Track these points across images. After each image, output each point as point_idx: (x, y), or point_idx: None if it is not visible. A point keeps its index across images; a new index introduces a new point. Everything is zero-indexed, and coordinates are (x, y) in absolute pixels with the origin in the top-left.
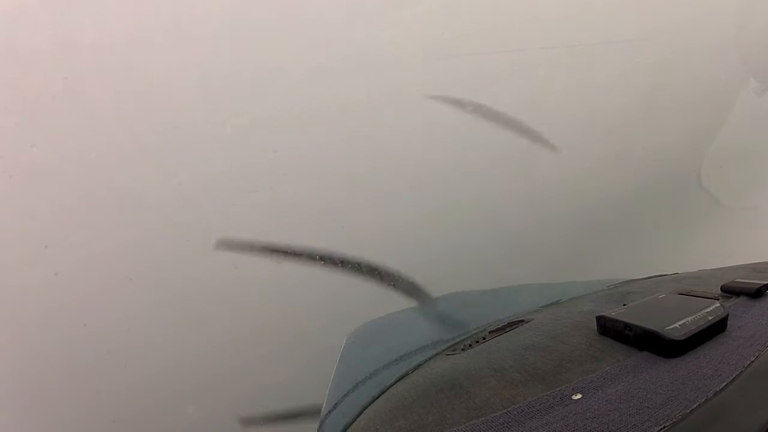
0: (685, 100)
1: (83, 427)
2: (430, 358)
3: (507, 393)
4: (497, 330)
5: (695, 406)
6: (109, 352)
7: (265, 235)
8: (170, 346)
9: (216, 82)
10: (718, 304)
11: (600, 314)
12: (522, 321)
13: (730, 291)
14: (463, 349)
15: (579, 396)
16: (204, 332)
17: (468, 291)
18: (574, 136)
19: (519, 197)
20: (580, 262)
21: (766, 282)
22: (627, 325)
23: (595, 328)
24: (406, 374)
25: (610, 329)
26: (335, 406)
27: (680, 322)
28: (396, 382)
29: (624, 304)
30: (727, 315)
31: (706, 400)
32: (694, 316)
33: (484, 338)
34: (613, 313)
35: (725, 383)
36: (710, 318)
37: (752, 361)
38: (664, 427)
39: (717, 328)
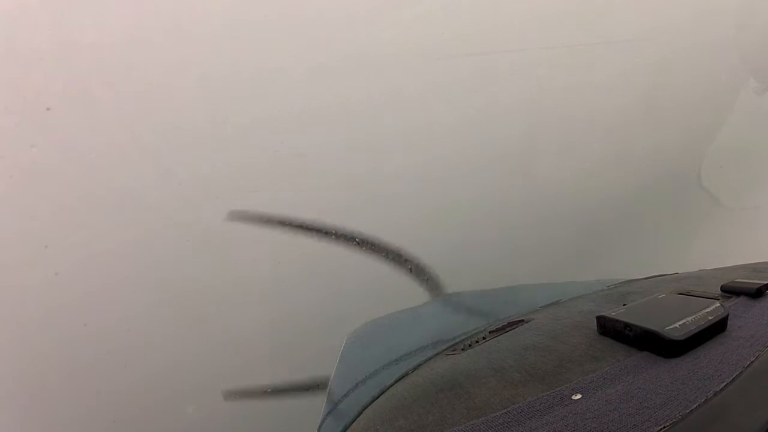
0: (685, 100)
1: (83, 427)
2: (430, 358)
3: (507, 393)
4: (497, 330)
5: (695, 406)
6: (109, 352)
7: (265, 235)
8: (170, 346)
9: (216, 82)
10: (718, 304)
11: (600, 314)
12: (522, 321)
13: (730, 291)
14: (463, 349)
15: (579, 396)
16: (204, 332)
17: (468, 291)
18: (574, 136)
19: (519, 197)
20: (580, 262)
21: (766, 282)
22: (627, 325)
23: (595, 328)
24: (406, 374)
25: (610, 329)
26: (335, 406)
27: (680, 322)
28: (396, 382)
29: (624, 304)
30: (727, 315)
31: (706, 400)
32: (694, 316)
33: (484, 338)
34: (613, 313)
35: (725, 383)
36: (710, 318)
37: (752, 361)
38: (664, 427)
39: (717, 328)
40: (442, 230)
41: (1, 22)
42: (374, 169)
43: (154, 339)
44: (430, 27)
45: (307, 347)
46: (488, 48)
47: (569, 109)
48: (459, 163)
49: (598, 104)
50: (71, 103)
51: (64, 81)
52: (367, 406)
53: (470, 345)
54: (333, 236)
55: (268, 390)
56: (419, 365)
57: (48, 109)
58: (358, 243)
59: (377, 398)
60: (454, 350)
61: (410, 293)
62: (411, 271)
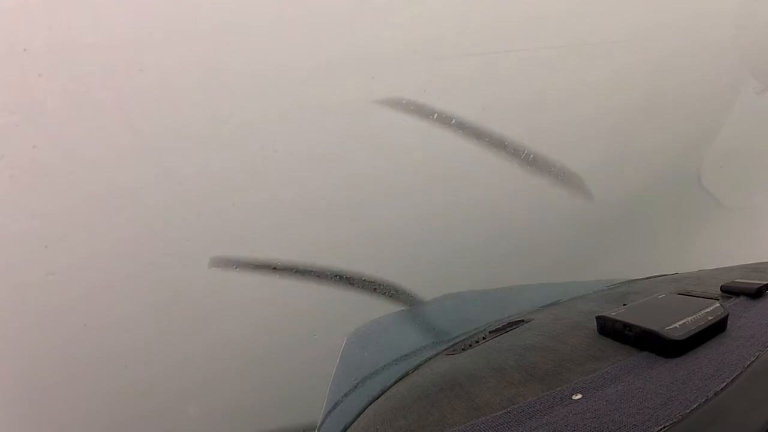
0: (685, 100)
1: (83, 427)
2: (430, 358)
3: (507, 393)
4: (497, 330)
5: (695, 406)
6: (109, 352)
7: (265, 235)
8: (170, 346)
9: (216, 81)
10: (718, 304)
11: (600, 314)
12: (522, 321)
13: (730, 291)
14: (463, 349)
15: (579, 396)
16: (204, 332)
17: (468, 291)
18: (574, 136)
19: (519, 197)
20: (580, 262)
21: (766, 282)
22: (627, 325)
23: (595, 328)
24: (406, 374)
25: (610, 329)
26: (335, 406)
27: (680, 322)
28: (396, 382)
29: (624, 304)
30: (727, 315)
31: (706, 400)
32: (694, 316)
33: (484, 338)
34: (613, 313)
35: (725, 383)
36: (710, 318)
37: (752, 361)
38: (664, 427)
39: (717, 328)
40: (442, 230)
41: (1, 22)
42: (374, 169)
43: (154, 339)
44: (430, 27)
45: (307, 347)
46: (488, 48)
47: (569, 109)
48: (459, 163)
49: (599, 104)
50: (71, 103)
51: (64, 81)
52: (367, 406)
53: (470, 345)
54: (319, 277)
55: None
56: (419, 365)
57: (48, 109)
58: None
59: (377, 398)
60: (454, 350)
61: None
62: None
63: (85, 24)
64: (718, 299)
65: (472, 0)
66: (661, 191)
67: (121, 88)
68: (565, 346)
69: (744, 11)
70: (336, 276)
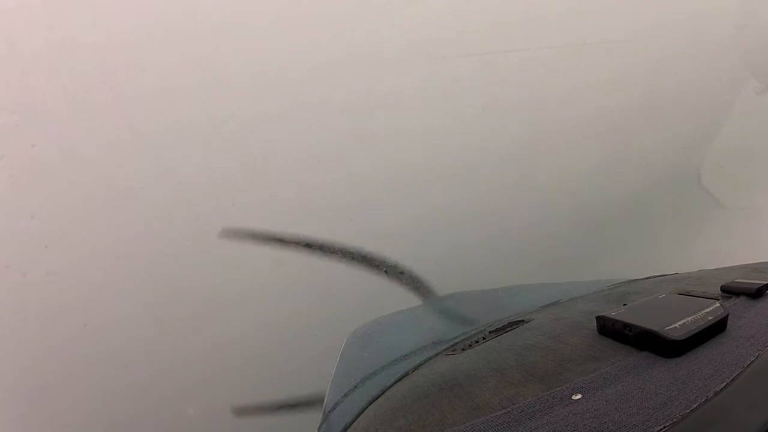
0: (685, 100)
1: (83, 427)
2: (430, 358)
3: (507, 393)
4: (497, 330)
5: (695, 406)
6: (109, 352)
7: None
8: (170, 346)
9: (216, 81)
10: (718, 304)
11: (600, 314)
12: (522, 321)
13: (730, 291)
14: (463, 349)
15: (579, 396)
16: (204, 332)
17: (468, 291)
18: (574, 136)
19: (519, 197)
20: (580, 262)
21: (766, 282)
22: (627, 325)
23: (595, 328)
24: (406, 374)
25: (610, 329)
26: (335, 406)
27: (680, 322)
28: (396, 382)
29: (624, 304)
30: (727, 315)
31: (706, 400)
32: (694, 316)
33: (484, 338)
34: (613, 313)
35: (725, 383)
36: (710, 318)
37: (752, 361)
38: (664, 427)
39: (717, 328)
40: (441, 229)
41: (2, 22)
42: (374, 168)
43: (154, 339)
44: (430, 27)
45: (307, 347)
46: (488, 48)
47: (569, 109)
48: (459, 163)
49: (599, 104)
50: (71, 103)
51: (64, 81)
52: (367, 406)
53: (470, 345)
54: (338, 253)
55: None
56: (419, 365)
57: (48, 109)
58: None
59: (377, 398)
60: (454, 350)
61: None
62: (402, 276)
63: (85, 24)
64: (718, 299)
65: (472, 0)
66: (661, 191)
67: (121, 88)
68: (565, 346)
69: (744, 11)
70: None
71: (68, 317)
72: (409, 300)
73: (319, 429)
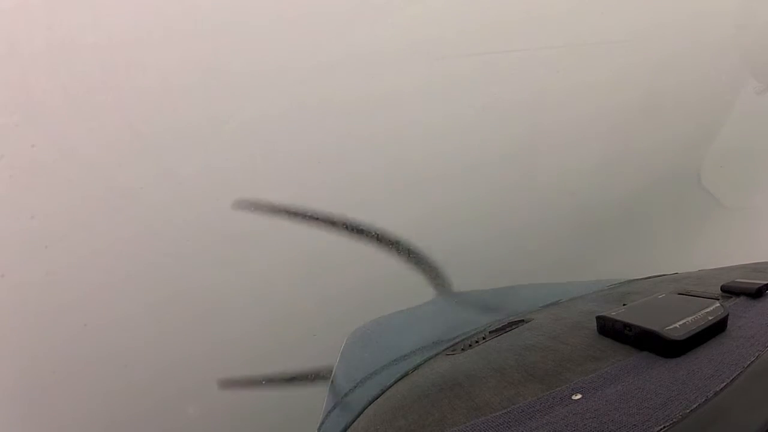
0: (685, 100)
1: (83, 427)
2: (430, 358)
3: (507, 393)
4: (497, 330)
5: (695, 406)
6: (109, 352)
7: (265, 234)
8: (170, 346)
9: (216, 81)
10: (718, 304)
11: (600, 314)
12: (522, 321)
13: (730, 291)
14: (463, 349)
15: (579, 396)
16: (204, 332)
17: (468, 291)
18: (574, 136)
19: (519, 197)
20: (580, 262)
21: (766, 282)
22: (627, 325)
23: (595, 328)
24: (406, 374)
25: (610, 329)
26: (335, 406)
27: (680, 322)
28: (396, 382)
29: (624, 304)
30: (727, 315)
31: (706, 400)
32: (694, 316)
33: (484, 338)
34: (613, 313)
35: (725, 383)
36: (710, 318)
37: (752, 361)
38: (664, 427)
39: (717, 328)
40: (441, 229)
41: (2, 22)
42: (374, 168)
43: (154, 339)
44: (430, 27)
45: (308, 346)
46: (488, 48)
47: (569, 109)
48: (459, 163)
49: (598, 104)
50: (71, 103)
51: (64, 81)
52: (367, 406)
53: (470, 345)
54: (342, 227)
55: (264, 381)
56: (419, 365)
57: (48, 109)
58: (366, 234)
59: (377, 398)
60: (454, 350)
61: (413, 285)
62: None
63: (85, 24)
64: (718, 299)
65: (472, 0)
66: (661, 191)
67: (121, 88)
68: (565, 346)
69: (744, 11)
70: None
71: (68, 317)
72: (411, 294)
73: (319, 429)
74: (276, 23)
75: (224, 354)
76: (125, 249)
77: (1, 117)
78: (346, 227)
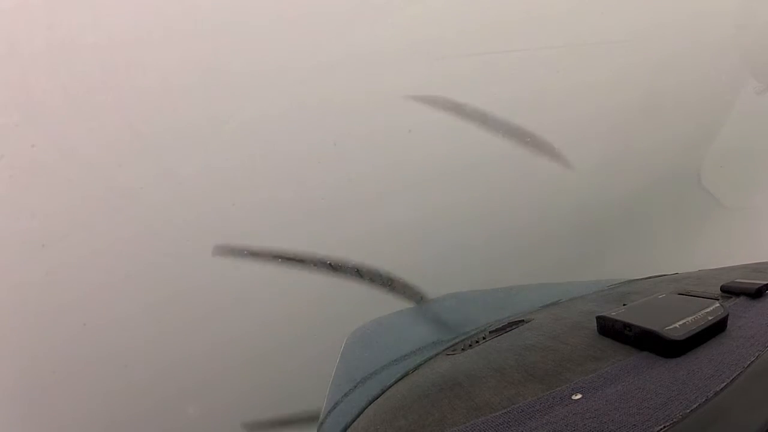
0: (685, 100)
1: (83, 427)
2: (430, 358)
3: (507, 393)
4: (497, 330)
5: (695, 406)
6: (109, 352)
7: (265, 234)
8: (170, 346)
9: (216, 81)
10: (718, 304)
11: (600, 314)
12: (522, 321)
13: (730, 291)
14: (463, 349)
15: (579, 396)
16: (204, 332)
17: (468, 291)
18: (574, 136)
19: (519, 197)
20: (580, 262)
21: (766, 282)
22: (627, 325)
23: (595, 328)
24: (406, 374)
25: (610, 329)
26: (335, 406)
27: (680, 322)
28: (396, 382)
29: (624, 304)
30: (727, 315)
31: (706, 400)
32: (694, 316)
33: (484, 338)
34: (613, 313)
35: (725, 383)
36: (710, 318)
37: (752, 361)
38: (664, 427)
39: (717, 328)
40: (441, 230)
41: (2, 22)
42: (374, 169)
43: (154, 339)
44: (430, 27)
45: (307, 347)
46: (488, 48)
47: (569, 109)
48: (459, 163)
49: (599, 104)
50: (71, 103)
51: (64, 81)
52: (367, 406)
53: (470, 345)
54: (329, 269)
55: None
56: (419, 365)
57: (48, 109)
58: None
59: (377, 398)
60: (454, 350)
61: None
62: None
63: (85, 24)
64: (718, 299)
65: (472, 0)
66: (661, 191)
67: (121, 88)
68: (565, 346)
69: (744, 11)
70: (331, 268)
71: (68, 317)
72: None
73: (319, 429)
74: (276, 23)
75: (224, 354)
76: (125, 249)
77: (1, 117)
78: (327, 265)
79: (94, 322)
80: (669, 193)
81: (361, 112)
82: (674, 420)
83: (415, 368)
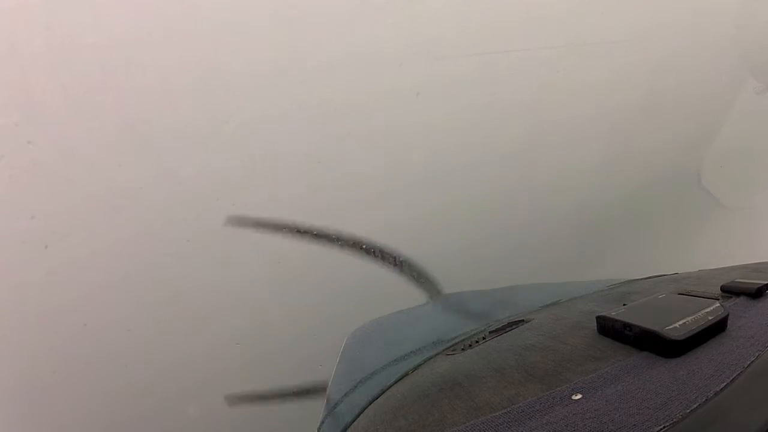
0: (685, 100)
1: (83, 427)
2: (430, 358)
3: (507, 393)
4: (497, 330)
5: (695, 406)
6: (109, 352)
7: (264, 235)
8: (170, 346)
9: (216, 81)
10: (718, 304)
11: (600, 314)
12: (522, 321)
13: (730, 291)
14: (463, 349)
15: (579, 396)
16: (204, 332)
17: (468, 291)
18: (574, 136)
19: (519, 197)
20: (580, 262)
21: (766, 282)
22: (627, 325)
23: (595, 328)
24: (406, 374)
25: (610, 329)
26: (335, 406)
27: (680, 322)
28: (396, 382)
29: (624, 304)
30: (727, 315)
31: (706, 400)
32: (694, 316)
33: (484, 338)
34: (613, 313)
35: (725, 383)
36: (710, 318)
37: (752, 361)
38: (665, 427)
39: (717, 328)
40: (441, 230)
41: (2, 22)
42: (374, 168)
43: (154, 339)
44: (430, 27)
45: (307, 347)
46: (488, 48)
47: (569, 108)
48: (459, 163)
49: (599, 104)
50: (71, 103)
51: (64, 81)
52: (367, 406)
53: (470, 345)
54: (335, 241)
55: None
56: (419, 365)
57: (48, 109)
58: (362, 248)
59: (377, 398)
60: (454, 350)
61: (407, 294)
62: (413, 277)
63: (85, 24)
64: (718, 299)
65: (472, 0)
66: (661, 191)
67: (121, 88)
68: (565, 346)
69: (744, 11)
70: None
71: (68, 317)
72: (409, 297)
73: (319, 429)
74: (276, 23)
75: (224, 354)
76: (125, 249)
77: (1, 117)
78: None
79: (94, 322)
80: (669, 193)
81: (361, 112)
82: (674, 420)
83: (415, 368)
